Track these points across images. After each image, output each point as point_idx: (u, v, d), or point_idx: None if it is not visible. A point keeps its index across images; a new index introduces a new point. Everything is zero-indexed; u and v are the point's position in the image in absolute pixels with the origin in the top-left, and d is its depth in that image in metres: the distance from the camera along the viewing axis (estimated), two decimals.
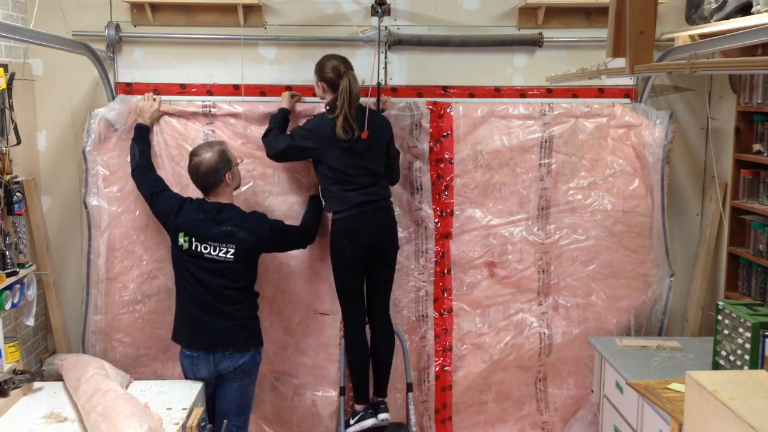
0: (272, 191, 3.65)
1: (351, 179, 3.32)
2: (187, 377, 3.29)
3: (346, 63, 3.33)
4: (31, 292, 3.36)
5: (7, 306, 3.09)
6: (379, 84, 3.55)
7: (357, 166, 3.32)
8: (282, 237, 3.40)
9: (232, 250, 3.23)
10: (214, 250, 3.23)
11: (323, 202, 3.48)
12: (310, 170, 3.61)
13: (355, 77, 3.29)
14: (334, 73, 3.28)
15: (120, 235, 3.56)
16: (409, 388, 3.64)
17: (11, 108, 3.13)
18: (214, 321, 3.23)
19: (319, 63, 3.36)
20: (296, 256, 3.65)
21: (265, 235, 3.31)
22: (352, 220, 3.32)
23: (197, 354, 3.24)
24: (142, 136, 3.49)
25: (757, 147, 3.41)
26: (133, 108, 3.55)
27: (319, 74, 3.34)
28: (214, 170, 3.23)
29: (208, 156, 3.22)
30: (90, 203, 3.53)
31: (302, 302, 3.70)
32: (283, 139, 3.36)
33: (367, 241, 3.35)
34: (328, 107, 3.34)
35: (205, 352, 3.23)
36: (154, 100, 3.56)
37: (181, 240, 3.24)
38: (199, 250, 3.22)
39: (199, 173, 3.24)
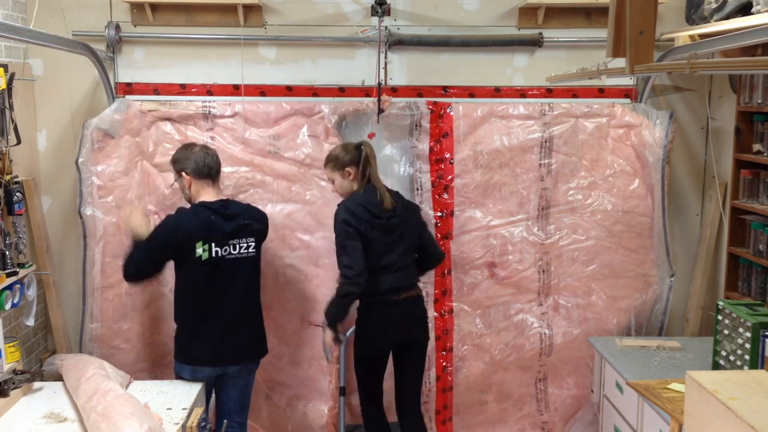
0: (271, 199, 3.65)
1: (381, 260, 3.18)
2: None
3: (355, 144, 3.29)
4: (31, 292, 3.36)
5: (7, 306, 3.09)
6: (379, 84, 3.55)
7: (388, 245, 3.21)
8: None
9: (253, 243, 3.16)
10: (234, 249, 3.11)
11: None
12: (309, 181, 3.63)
13: (370, 144, 3.28)
14: (353, 148, 3.24)
15: (116, 243, 3.51)
16: None
17: (11, 108, 3.12)
18: (243, 335, 3.17)
19: (332, 155, 3.26)
20: (292, 266, 3.65)
21: (266, 219, 3.29)
22: (380, 312, 3.21)
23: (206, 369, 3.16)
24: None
25: (757, 147, 3.40)
26: (129, 117, 3.52)
27: (336, 162, 3.23)
28: (218, 159, 3.22)
29: (198, 145, 3.22)
30: (85, 213, 3.48)
31: (297, 312, 3.69)
32: (346, 247, 3.11)
33: (396, 336, 3.25)
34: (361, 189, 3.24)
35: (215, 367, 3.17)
36: (138, 203, 3.37)
37: (199, 251, 3.03)
38: (220, 254, 3.07)
39: (207, 159, 3.14)
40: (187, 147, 3.22)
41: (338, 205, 3.24)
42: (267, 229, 3.30)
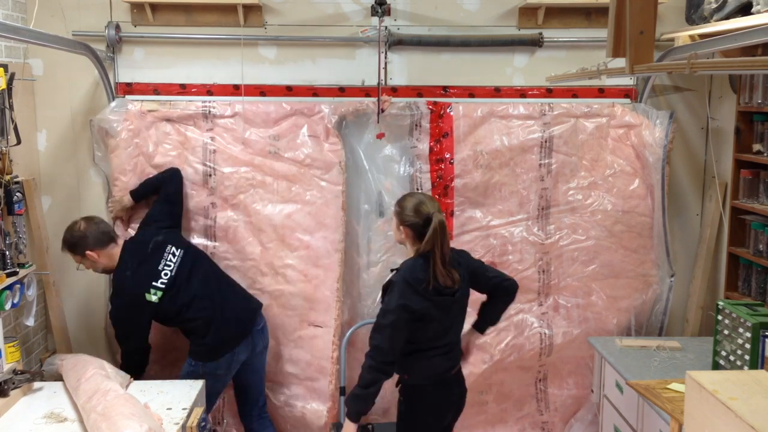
0: (271, 199, 3.65)
1: (440, 341, 2.81)
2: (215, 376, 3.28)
3: (432, 201, 2.82)
4: (31, 292, 3.36)
5: (7, 306, 3.08)
6: (379, 84, 3.55)
7: (451, 322, 2.85)
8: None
9: (174, 244, 3.31)
10: (170, 263, 3.26)
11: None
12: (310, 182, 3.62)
13: (443, 218, 2.76)
14: (424, 215, 2.73)
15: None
16: None
17: (11, 108, 3.12)
18: (240, 298, 3.41)
19: (401, 202, 2.83)
20: (292, 266, 3.64)
21: (163, 213, 3.45)
22: (438, 394, 2.81)
23: (239, 347, 3.31)
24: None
25: (757, 147, 3.40)
26: (129, 117, 3.54)
27: (399, 217, 2.81)
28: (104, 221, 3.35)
29: (81, 221, 3.27)
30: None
31: (296, 313, 3.68)
32: (388, 331, 2.68)
33: (448, 418, 2.91)
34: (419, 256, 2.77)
35: (245, 338, 3.34)
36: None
37: (154, 298, 3.20)
38: (169, 277, 3.24)
39: (100, 227, 3.26)
40: (73, 229, 3.27)
41: (392, 271, 2.83)
42: (169, 215, 3.44)
